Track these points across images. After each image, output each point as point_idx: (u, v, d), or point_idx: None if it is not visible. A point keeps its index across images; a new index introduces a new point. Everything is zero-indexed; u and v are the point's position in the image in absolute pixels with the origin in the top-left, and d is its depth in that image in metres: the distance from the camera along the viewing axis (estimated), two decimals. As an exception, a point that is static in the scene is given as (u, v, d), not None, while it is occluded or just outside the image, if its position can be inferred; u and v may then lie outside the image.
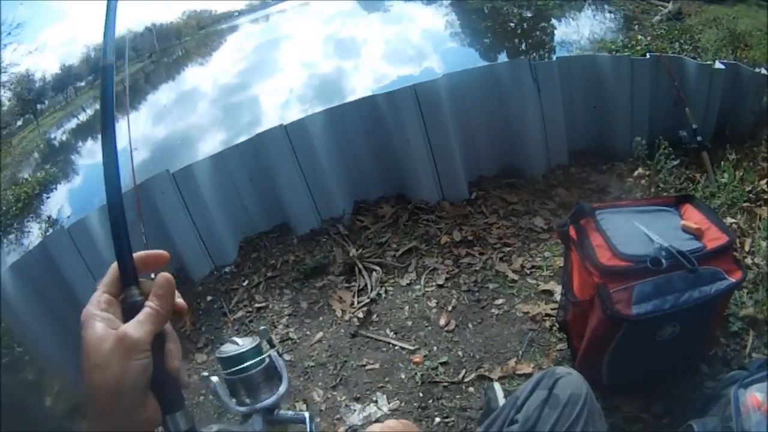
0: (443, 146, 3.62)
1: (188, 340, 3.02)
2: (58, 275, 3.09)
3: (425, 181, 3.71)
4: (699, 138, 3.64)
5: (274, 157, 3.52)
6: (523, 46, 15.56)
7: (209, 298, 3.35)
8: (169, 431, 0.70)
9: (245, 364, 0.88)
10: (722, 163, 3.60)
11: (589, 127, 4.07)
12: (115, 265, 0.71)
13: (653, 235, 1.96)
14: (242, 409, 0.89)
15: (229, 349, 0.90)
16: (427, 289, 3.07)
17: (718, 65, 4.00)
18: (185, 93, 21.60)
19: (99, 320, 0.66)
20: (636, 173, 3.52)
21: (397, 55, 18.54)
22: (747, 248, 2.88)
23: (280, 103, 15.34)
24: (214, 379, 0.90)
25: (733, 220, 3.12)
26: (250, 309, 3.22)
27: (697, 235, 1.99)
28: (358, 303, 3.04)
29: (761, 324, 2.46)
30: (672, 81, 3.75)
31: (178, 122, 16.35)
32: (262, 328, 0.97)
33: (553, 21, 17.29)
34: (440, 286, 3.08)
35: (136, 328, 0.66)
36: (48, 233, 8.67)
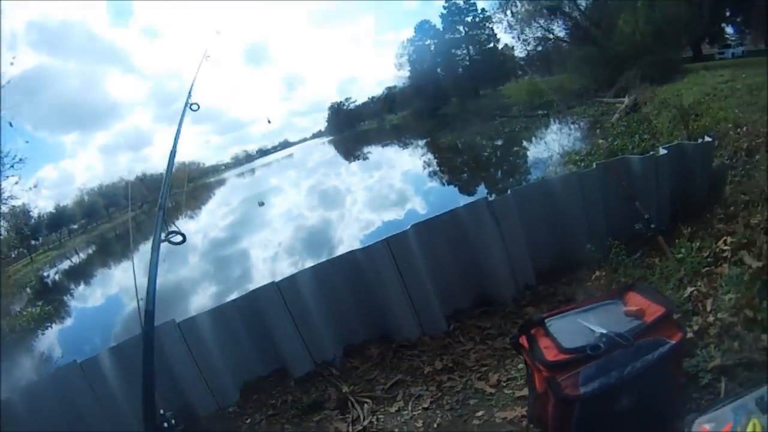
0: (418, 288, 4.10)
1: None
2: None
3: (405, 320, 4.16)
4: (653, 226, 4.12)
5: (268, 311, 3.96)
6: (500, 174, 16.86)
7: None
8: None
9: None
10: (676, 240, 4.04)
11: (552, 246, 4.57)
12: None
13: (594, 327, 2.30)
14: None
15: None
16: (414, 413, 3.39)
17: (661, 151, 4.60)
18: (174, 247, 22.13)
19: None
20: (594, 276, 3.93)
21: (380, 201, 19.52)
22: (708, 308, 3.14)
23: (270, 256, 15.95)
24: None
25: (692, 288, 3.43)
26: (256, 444, 3.51)
27: (638, 314, 2.33)
28: (353, 430, 3.36)
29: (731, 369, 2.63)
30: (620, 182, 4.31)
31: (169, 275, 16.69)
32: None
33: (524, 143, 18.50)
34: (425, 409, 3.39)
35: None
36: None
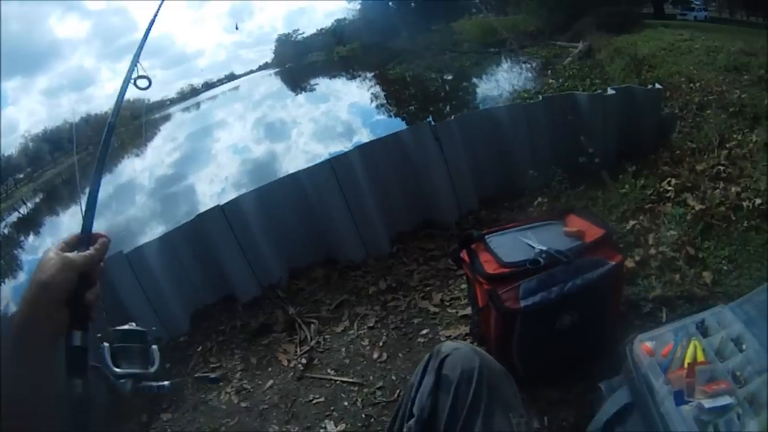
0: (362, 209, 4.16)
1: (153, 401, 3.35)
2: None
3: (350, 242, 4.24)
4: (596, 160, 4.28)
5: (214, 235, 3.97)
6: (448, 108, 16.37)
7: (167, 365, 3.67)
8: (66, 344, 0.96)
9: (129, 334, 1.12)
10: (620, 176, 4.25)
11: (495, 173, 4.66)
12: (76, 232, 1.09)
13: (534, 243, 2.42)
14: (117, 371, 1.07)
15: (124, 327, 1.14)
16: (359, 332, 3.52)
17: (609, 91, 4.70)
18: (122, 186, 21.61)
19: (53, 251, 0.99)
20: (536, 202, 4.10)
21: (327, 132, 19.31)
22: (651, 241, 3.33)
23: (216, 191, 15.77)
24: (105, 345, 1.09)
25: (635, 222, 3.64)
26: (206, 370, 3.60)
27: (578, 236, 2.45)
28: (301, 351, 3.47)
29: (672, 300, 2.78)
30: (565, 116, 4.43)
31: (117, 216, 16.34)
32: (153, 328, 1.17)
33: (474, 80, 18.42)
34: (371, 328, 3.53)
35: (76, 255, 1.00)
36: None
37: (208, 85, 56.50)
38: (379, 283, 3.94)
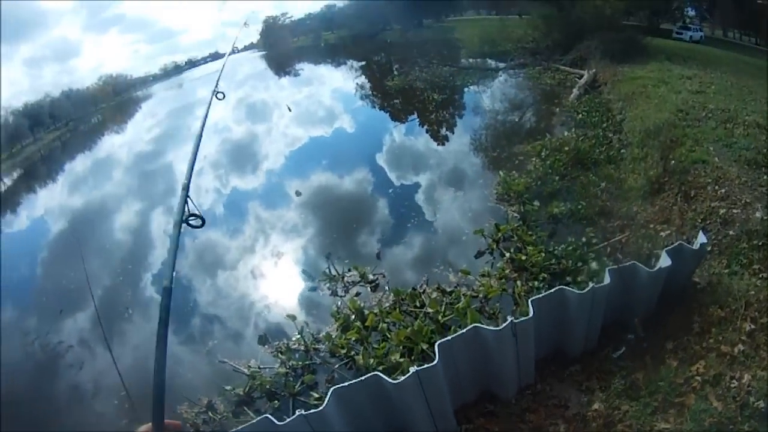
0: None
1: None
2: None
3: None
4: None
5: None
6: (432, 106, 16.74)
7: None
8: None
9: None
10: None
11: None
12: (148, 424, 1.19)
13: None
14: None
15: None
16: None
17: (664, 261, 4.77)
18: (101, 161, 21.61)
19: None
20: None
21: (309, 116, 19.42)
22: None
23: (195, 170, 15.35)
24: None
25: None
26: None
27: None
28: None
29: None
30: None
31: (94, 191, 16.39)
32: None
33: (475, 107, 18.17)
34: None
35: None
36: None
37: (192, 63, 56.24)
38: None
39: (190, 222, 1.65)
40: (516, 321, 4.12)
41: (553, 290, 4.47)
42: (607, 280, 4.57)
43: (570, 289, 4.51)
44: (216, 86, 3.17)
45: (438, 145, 13.67)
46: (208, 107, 2.99)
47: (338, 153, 14.64)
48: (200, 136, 2.47)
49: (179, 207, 1.68)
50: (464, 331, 4.22)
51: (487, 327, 4.20)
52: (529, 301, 4.32)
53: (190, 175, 1.96)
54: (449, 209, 9.44)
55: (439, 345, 4.04)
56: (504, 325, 4.11)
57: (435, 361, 3.89)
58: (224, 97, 3.17)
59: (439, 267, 7.53)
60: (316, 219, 10.42)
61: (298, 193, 11.45)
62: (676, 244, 4.97)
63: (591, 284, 4.52)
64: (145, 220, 12.79)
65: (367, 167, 12.73)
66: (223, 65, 3.63)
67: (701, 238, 4.98)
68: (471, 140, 13.09)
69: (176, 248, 1.61)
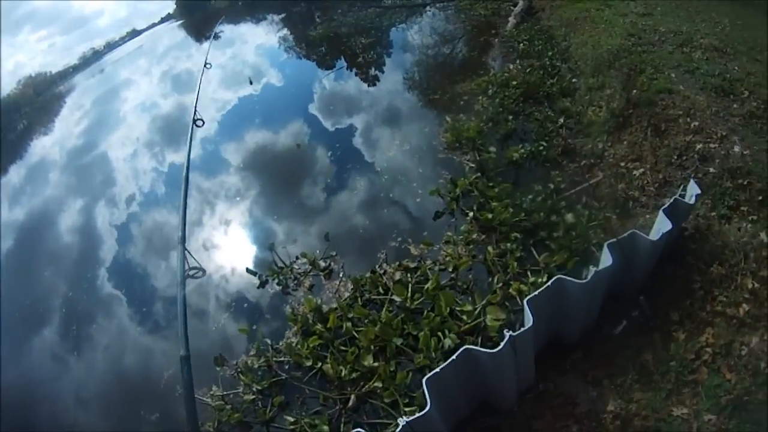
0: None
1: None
2: None
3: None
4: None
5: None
6: (359, 49, 16.27)
7: None
8: None
9: None
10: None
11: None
12: None
13: None
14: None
15: None
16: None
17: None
18: (35, 167, 20.81)
19: None
20: None
21: (235, 77, 18.87)
22: None
23: (129, 154, 15.41)
24: None
25: None
26: None
27: None
28: None
29: None
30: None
31: (34, 199, 15.81)
32: None
33: (395, 28, 17.52)
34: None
35: None
36: None
37: (111, 46, 53.71)
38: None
39: (195, 275, 1.57)
40: (514, 335, 3.83)
41: (550, 283, 4.15)
42: (609, 260, 4.36)
43: (569, 279, 4.21)
44: (195, 113, 2.90)
45: (369, 86, 13.59)
46: (191, 136, 2.79)
47: (270, 109, 14.40)
48: (187, 167, 2.33)
49: (180, 263, 1.58)
50: (455, 357, 3.87)
51: (481, 349, 3.92)
52: (525, 302, 4.09)
53: (184, 227, 1.82)
54: (396, 163, 9.16)
55: (426, 381, 3.75)
56: (502, 344, 3.81)
57: (427, 408, 3.60)
58: (204, 124, 2.91)
59: (396, 239, 7.15)
60: (259, 179, 10.32)
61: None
62: (671, 200, 4.82)
63: (592, 268, 4.26)
64: (90, 215, 12.45)
65: (301, 118, 12.49)
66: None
67: (695, 189, 4.85)
68: (403, 80, 12.83)
69: (185, 308, 1.50)
